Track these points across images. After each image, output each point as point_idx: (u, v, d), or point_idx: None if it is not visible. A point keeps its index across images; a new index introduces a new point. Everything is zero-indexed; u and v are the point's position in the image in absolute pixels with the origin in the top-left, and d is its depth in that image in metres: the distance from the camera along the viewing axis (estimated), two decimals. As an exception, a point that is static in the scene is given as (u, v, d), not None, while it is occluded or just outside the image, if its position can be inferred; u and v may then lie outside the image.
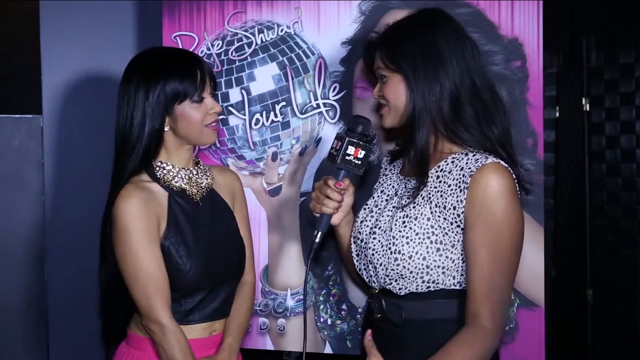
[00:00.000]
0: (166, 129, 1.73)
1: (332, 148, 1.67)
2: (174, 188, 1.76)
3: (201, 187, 1.81)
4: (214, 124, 1.76)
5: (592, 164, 3.09)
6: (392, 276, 1.59)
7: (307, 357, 1.66)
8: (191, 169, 1.81)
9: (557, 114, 3.14)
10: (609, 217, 3.06)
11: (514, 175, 1.54)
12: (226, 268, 1.81)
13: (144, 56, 1.80)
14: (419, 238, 1.56)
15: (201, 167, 1.85)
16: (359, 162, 1.63)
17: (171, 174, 1.76)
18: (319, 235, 1.67)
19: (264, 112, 2.15)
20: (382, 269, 1.60)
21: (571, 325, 3.14)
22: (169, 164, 1.77)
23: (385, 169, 1.82)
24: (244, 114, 2.16)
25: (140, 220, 1.66)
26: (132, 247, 1.66)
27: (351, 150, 1.62)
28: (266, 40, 2.15)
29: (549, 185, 3.02)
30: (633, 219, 2.98)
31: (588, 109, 3.09)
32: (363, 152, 1.62)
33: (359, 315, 2.09)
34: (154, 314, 1.66)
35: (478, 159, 1.53)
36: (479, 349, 1.49)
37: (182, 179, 1.78)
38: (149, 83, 1.70)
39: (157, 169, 1.75)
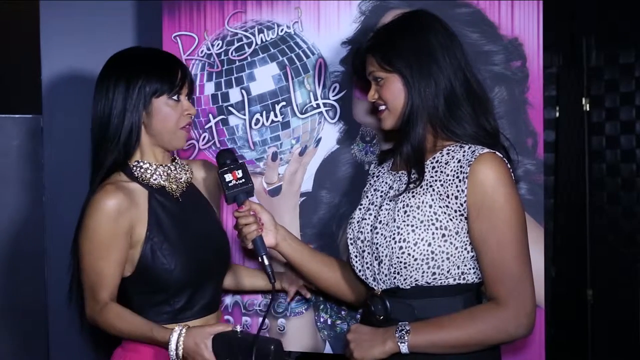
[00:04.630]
0: (141, 123, 1.74)
1: (222, 192, 1.78)
2: (153, 186, 1.76)
3: (180, 182, 1.82)
4: (187, 126, 1.78)
5: (592, 164, 3.09)
6: (396, 266, 1.60)
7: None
8: (169, 165, 1.82)
9: (557, 114, 3.14)
10: (609, 217, 3.06)
11: (508, 165, 1.60)
12: (211, 263, 1.82)
13: (123, 54, 1.82)
14: (424, 225, 1.58)
15: (179, 162, 1.86)
16: (243, 180, 1.74)
17: (149, 171, 1.77)
18: (265, 259, 1.73)
19: (264, 112, 2.15)
20: (387, 260, 1.62)
21: (571, 325, 3.14)
22: (145, 162, 1.77)
23: (374, 171, 1.86)
24: (244, 114, 2.16)
25: (110, 223, 1.67)
26: (92, 248, 1.68)
27: (229, 177, 1.73)
28: (266, 40, 2.15)
29: (549, 185, 3.03)
30: (633, 219, 2.98)
31: (588, 109, 3.09)
32: (240, 171, 1.74)
33: (358, 315, 2.09)
34: (90, 305, 1.71)
35: (474, 150, 1.58)
36: (484, 325, 1.53)
37: (161, 175, 1.78)
38: (130, 77, 1.72)
39: (134, 168, 1.76)
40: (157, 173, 1.78)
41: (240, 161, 1.78)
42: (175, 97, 1.74)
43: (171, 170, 1.81)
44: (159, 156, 1.80)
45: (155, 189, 1.76)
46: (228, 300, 2.18)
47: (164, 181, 1.78)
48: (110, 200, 1.67)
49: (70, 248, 1.79)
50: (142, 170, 1.76)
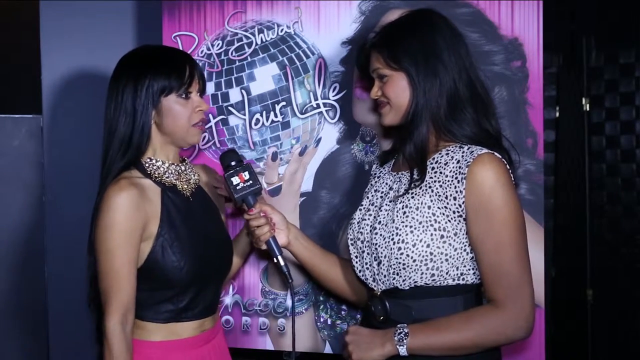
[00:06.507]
0: (151, 122, 1.74)
1: (229, 194, 1.77)
2: (166, 183, 1.76)
3: (190, 182, 1.82)
4: (200, 123, 1.77)
5: (592, 164, 3.09)
6: (395, 267, 1.60)
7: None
8: (179, 164, 1.82)
9: (557, 114, 3.14)
10: (609, 217, 3.06)
11: (507, 166, 1.59)
12: (217, 265, 1.82)
13: (133, 54, 1.81)
14: (423, 226, 1.58)
15: (187, 163, 1.87)
16: (251, 181, 1.73)
17: (162, 169, 1.77)
18: (280, 259, 1.74)
19: (264, 112, 2.15)
20: (386, 261, 1.62)
21: (571, 325, 3.14)
22: (158, 159, 1.77)
23: (375, 171, 1.85)
24: (244, 114, 2.16)
25: (126, 220, 1.65)
26: (109, 245, 1.65)
27: (236, 180, 1.72)
28: (266, 40, 2.15)
29: (549, 185, 3.03)
30: (633, 219, 2.98)
31: (588, 109, 3.09)
32: (246, 172, 1.73)
33: (358, 315, 2.09)
34: (106, 312, 1.67)
35: (473, 151, 1.57)
36: (482, 328, 1.53)
37: (173, 174, 1.78)
38: (138, 77, 1.71)
39: (147, 165, 1.76)
40: (170, 171, 1.78)
41: (245, 162, 1.78)
42: (183, 95, 1.74)
43: (182, 170, 1.81)
44: (171, 155, 1.80)
45: (168, 187, 1.76)
46: (228, 300, 2.18)
47: (175, 180, 1.78)
48: (124, 194, 1.66)
49: (87, 248, 1.78)
50: (154, 167, 1.76)
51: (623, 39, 3.01)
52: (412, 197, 1.62)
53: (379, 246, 1.63)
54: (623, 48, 3.00)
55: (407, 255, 1.58)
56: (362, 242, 1.70)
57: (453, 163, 1.58)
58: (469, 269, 1.60)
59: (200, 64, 2.15)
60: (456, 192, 1.56)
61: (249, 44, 2.16)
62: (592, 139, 3.09)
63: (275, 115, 2.15)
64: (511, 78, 2.00)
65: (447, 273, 1.59)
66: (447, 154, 1.62)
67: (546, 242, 2.03)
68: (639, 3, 2.91)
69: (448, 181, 1.57)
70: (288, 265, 1.76)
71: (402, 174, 1.70)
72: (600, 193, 3.08)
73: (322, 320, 2.14)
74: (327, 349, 2.14)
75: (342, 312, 2.13)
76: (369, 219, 1.71)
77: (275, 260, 1.74)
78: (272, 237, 1.75)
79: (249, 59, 2.16)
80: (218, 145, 2.19)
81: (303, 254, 1.83)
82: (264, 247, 1.76)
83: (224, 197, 1.97)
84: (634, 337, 2.94)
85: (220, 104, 2.18)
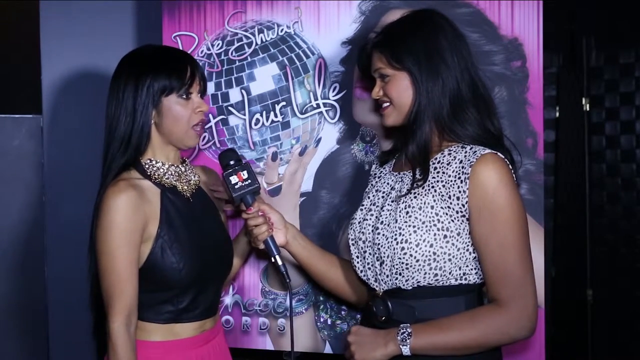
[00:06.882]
0: (151, 122, 1.74)
1: (228, 194, 1.79)
2: (166, 184, 1.76)
3: (190, 183, 1.82)
4: (199, 124, 1.77)
5: (592, 164, 3.09)
6: (398, 267, 1.60)
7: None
8: (179, 165, 1.82)
9: (557, 114, 3.14)
10: (609, 217, 3.06)
11: (510, 166, 1.59)
12: (217, 265, 1.82)
13: (135, 53, 1.81)
14: (426, 226, 1.58)
15: (188, 164, 1.87)
16: (249, 180, 1.74)
17: (161, 170, 1.77)
18: (277, 259, 1.75)
19: (264, 112, 2.15)
20: (389, 261, 1.61)
21: (571, 325, 3.14)
22: (158, 161, 1.77)
23: (375, 172, 1.85)
24: (244, 114, 2.16)
25: (126, 220, 1.65)
26: (110, 246, 1.65)
27: (235, 179, 1.73)
28: (266, 40, 2.15)
29: (549, 185, 3.03)
30: (633, 219, 2.98)
31: (588, 109, 3.09)
32: (245, 172, 1.74)
33: (359, 315, 2.09)
34: (110, 314, 1.66)
35: (476, 151, 1.58)
36: (485, 327, 1.53)
37: (173, 175, 1.78)
38: (139, 77, 1.71)
39: (147, 165, 1.76)
40: (170, 172, 1.78)
41: (244, 161, 1.78)
42: (184, 96, 1.74)
43: (182, 171, 1.81)
44: (171, 156, 1.80)
45: (167, 188, 1.76)
46: (228, 300, 2.18)
47: (175, 181, 1.78)
48: (123, 195, 1.66)
49: (88, 248, 1.78)
50: (154, 168, 1.76)
51: (623, 39, 3.01)
52: (415, 197, 1.61)
53: (381, 246, 1.63)
54: (623, 48, 3.00)
55: (410, 255, 1.58)
56: (364, 242, 1.70)
57: (456, 163, 1.58)
58: (472, 269, 1.60)
59: (200, 64, 2.15)
60: (459, 192, 1.56)
61: (249, 44, 2.16)
62: (592, 139, 3.10)
63: (275, 115, 2.15)
64: (511, 78, 2.00)
65: (450, 273, 1.59)
66: (449, 154, 1.62)
67: (546, 242, 2.03)
68: (639, 3, 2.91)
69: (451, 181, 1.58)
70: (286, 265, 1.76)
71: (404, 173, 1.69)
72: (600, 193, 3.08)
73: (322, 320, 2.14)
74: (327, 349, 2.14)
75: (342, 312, 2.13)
76: (370, 219, 1.70)
77: (272, 260, 1.75)
78: (270, 237, 1.76)
79: (249, 59, 2.16)
80: (218, 145, 2.19)
81: (301, 254, 1.83)
82: (261, 246, 1.77)
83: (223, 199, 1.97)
84: (634, 337, 2.95)
85: (220, 104, 2.18)
